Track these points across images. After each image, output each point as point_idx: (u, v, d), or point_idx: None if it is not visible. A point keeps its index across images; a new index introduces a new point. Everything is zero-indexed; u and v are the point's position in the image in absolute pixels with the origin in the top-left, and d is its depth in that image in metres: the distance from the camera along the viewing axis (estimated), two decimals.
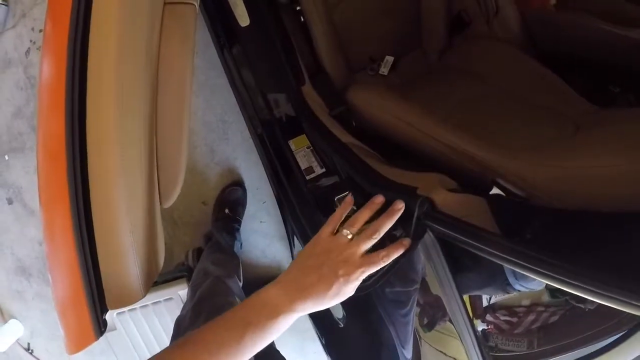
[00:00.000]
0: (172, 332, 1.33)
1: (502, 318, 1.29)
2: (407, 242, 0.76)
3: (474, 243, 0.74)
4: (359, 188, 1.20)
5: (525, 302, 1.30)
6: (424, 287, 1.06)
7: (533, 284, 1.12)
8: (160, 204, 1.12)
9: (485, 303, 1.34)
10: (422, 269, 1.04)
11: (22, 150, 2.21)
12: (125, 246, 0.80)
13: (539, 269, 0.65)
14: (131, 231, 0.79)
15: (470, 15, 1.53)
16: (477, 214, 0.83)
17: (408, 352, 1.08)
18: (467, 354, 1.00)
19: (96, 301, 0.81)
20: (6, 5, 2.07)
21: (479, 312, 1.35)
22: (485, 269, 1.14)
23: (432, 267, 0.88)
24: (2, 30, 2.11)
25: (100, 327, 0.85)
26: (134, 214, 0.81)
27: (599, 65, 1.31)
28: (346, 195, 1.21)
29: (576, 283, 0.61)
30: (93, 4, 0.73)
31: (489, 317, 1.32)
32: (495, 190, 0.98)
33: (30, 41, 2.11)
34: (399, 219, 0.81)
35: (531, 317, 1.26)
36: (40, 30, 2.08)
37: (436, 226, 0.78)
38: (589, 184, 0.85)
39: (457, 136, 1.05)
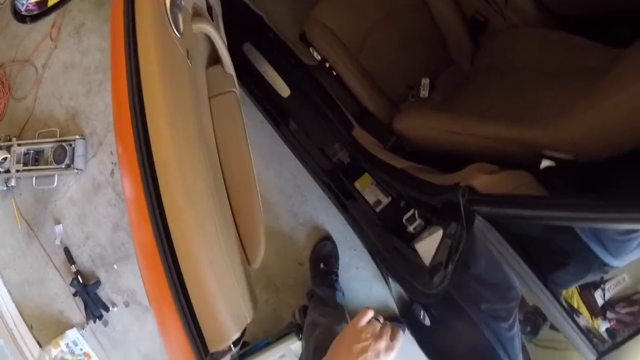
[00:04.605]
0: None
1: (623, 311, 1.22)
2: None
3: (524, 212, 0.76)
4: (421, 204, 1.25)
5: None
6: (521, 302, 1.06)
7: (631, 255, 1.05)
8: (250, 264, 1.25)
9: (600, 301, 1.28)
10: (519, 286, 1.03)
11: (128, 257, 2.51)
12: (215, 304, 0.89)
13: (602, 216, 0.65)
14: (219, 290, 0.90)
15: (484, 14, 1.56)
16: (523, 186, 0.84)
17: None
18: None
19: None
20: (84, 138, 2.54)
21: (596, 311, 1.28)
22: (578, 259, 1.10)
23: (496, 253, 0.87)
24: (87, 160, 2.55)
25: None
26: (221, 283, 0.92)
27: (626, 13, 1.26)
28: (413, 213, 1.27)
29: None
30: (149, 129, 0.85)
31: (609, 315, 1.25)
32: (544, 163, 0.98)
33: (112, 163, 2.52)
34: (450, 216, 0.86)
35: None
36: None
37: (482, 208, 0.81)
38: (625, 120, 0.82)
39: (493, 126, 1.07)
